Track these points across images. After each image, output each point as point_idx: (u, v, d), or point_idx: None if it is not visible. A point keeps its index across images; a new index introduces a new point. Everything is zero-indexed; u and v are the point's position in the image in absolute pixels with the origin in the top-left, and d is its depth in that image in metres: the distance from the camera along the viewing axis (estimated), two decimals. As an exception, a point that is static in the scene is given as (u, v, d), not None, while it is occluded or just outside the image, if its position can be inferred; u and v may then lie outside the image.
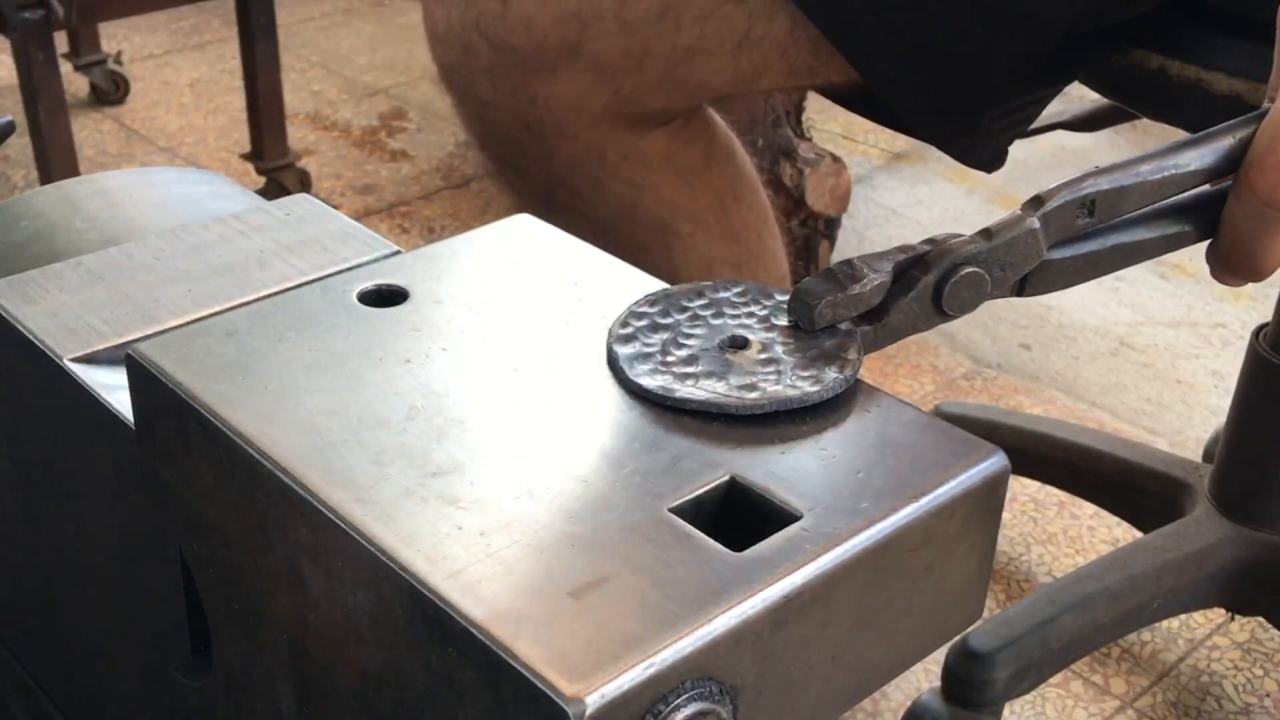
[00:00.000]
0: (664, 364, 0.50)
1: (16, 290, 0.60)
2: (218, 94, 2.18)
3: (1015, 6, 0.79)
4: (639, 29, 0.83)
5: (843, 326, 0.51)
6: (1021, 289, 0.55)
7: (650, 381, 0.49)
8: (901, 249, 0.52)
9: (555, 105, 0.86)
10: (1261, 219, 0.55)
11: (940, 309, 0.52)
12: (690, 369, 0.49)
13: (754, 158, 1.06)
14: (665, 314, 0.53)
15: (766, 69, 0.86)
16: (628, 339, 0.51)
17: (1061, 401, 1.50)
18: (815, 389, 0.48)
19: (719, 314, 0.53)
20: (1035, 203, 0.53)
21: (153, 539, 0.53)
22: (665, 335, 0.51)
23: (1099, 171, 0.54)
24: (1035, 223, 0.53)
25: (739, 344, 0.51)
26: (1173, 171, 0.55)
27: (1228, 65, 0.79)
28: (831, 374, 0.48)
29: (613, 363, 0.50)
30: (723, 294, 0.54)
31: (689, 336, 0.51)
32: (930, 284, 0.51)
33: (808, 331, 0.51)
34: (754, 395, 0.48)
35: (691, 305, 0.53)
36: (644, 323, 0.52)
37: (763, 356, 0.50)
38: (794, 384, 0.48)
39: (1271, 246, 0.56)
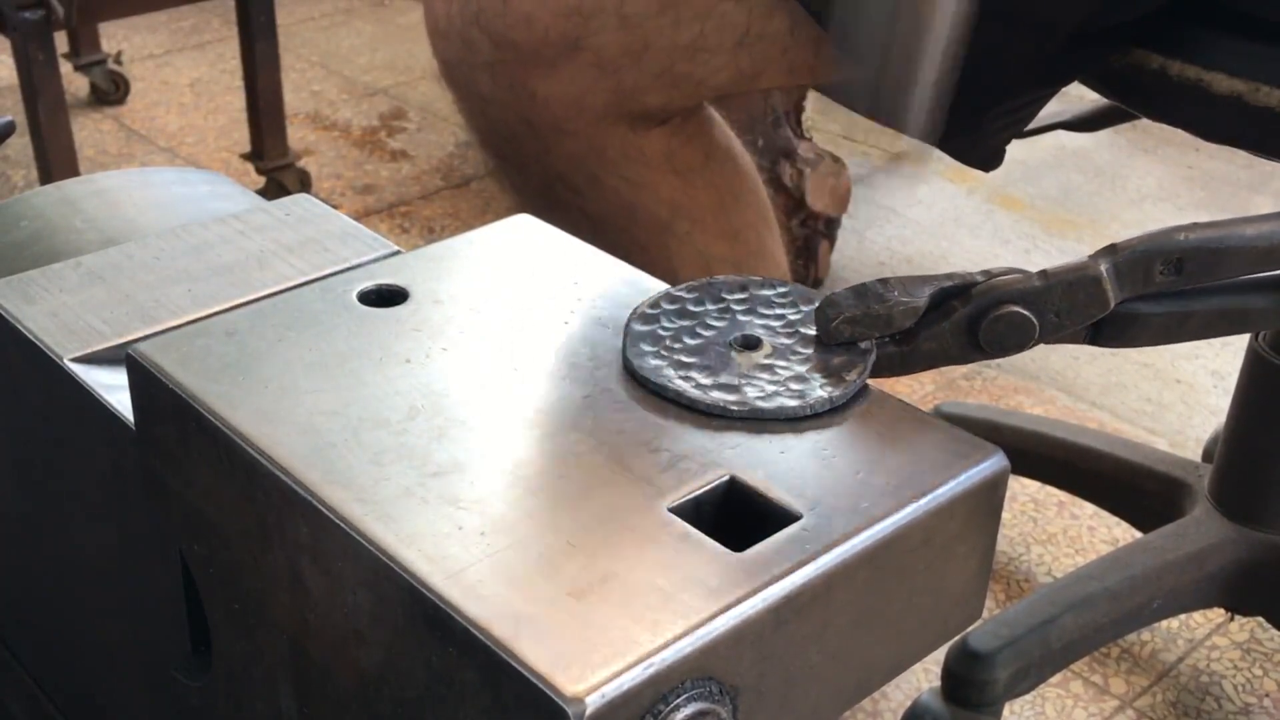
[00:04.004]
0: (667, 349, 0.50)
1: (16, 290, 0.60)
2: (218, 94, 2.17)
3: (1021, 6, 0.79)
4: (639, 25, 0.83)
5: (863, 345, 0.50)
6: (1095, 338, 0.51)
7: (644, 362, 0.49)
8: (949, 275, 0.50)
9: (555, 101, 0.86)
10: None
11: (976, 344, 0.49)
12: (690, 359, 0.49)
13: (754, 158, 1.06)
14: (699, 302, 0.53)
15: (766, 67, 0.86)
16: (650, 319, 0.51)
17: (1061, 401, 1.50)
18: (795, 404, 0.47)
19: (750, 310, 0.52)
20: (1109, 250, 0.50)
21: (153, 539, 0.53)
22: (686, 322, 0.51)
23: (1193, 226, 0.50)
24: (1101, 271, 0.49)
25: (750, 344, 0.51)
26: None
27: (1228, 65, 0.79)
28: (820, 393, 0.48)
29: (624, 337, 0.51)
30: (765, 291, 0.53)
31: (709, 328, 0.51)
32: (965, 316, 0.49)
33: (826, 344, 0.50)
34: (730, 398, 0.48)
35: (729, 298, 0.53)
36: (674, 306, 0.52)
37: (766, 361, 0.50)
38: (776, 395, 0.48)
39: None
